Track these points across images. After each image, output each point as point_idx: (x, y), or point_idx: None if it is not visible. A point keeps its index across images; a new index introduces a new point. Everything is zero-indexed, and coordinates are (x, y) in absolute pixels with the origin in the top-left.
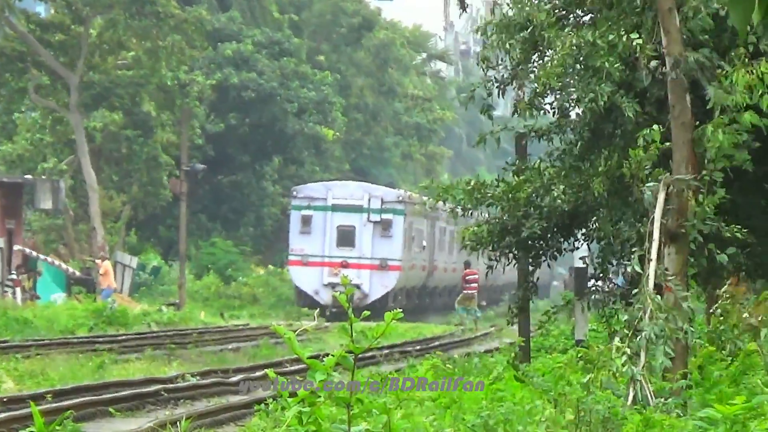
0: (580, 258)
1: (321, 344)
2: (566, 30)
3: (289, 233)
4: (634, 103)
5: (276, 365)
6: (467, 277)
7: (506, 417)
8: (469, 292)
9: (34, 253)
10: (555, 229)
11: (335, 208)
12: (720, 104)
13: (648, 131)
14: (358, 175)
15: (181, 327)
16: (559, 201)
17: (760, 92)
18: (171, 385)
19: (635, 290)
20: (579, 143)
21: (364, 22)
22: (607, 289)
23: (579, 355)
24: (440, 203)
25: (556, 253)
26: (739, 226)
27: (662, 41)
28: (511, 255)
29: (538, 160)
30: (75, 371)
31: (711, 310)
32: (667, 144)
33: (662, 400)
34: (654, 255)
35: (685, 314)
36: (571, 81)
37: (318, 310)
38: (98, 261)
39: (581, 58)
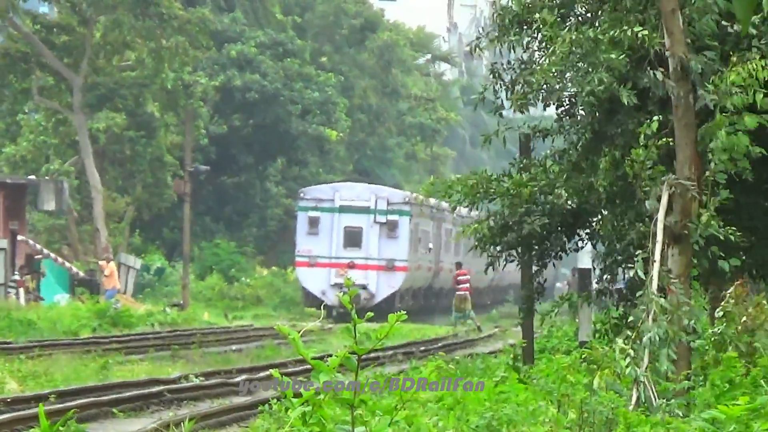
0: (591, 260)
1: (325, 345)
2: (566, 28)
3: (296, 234)
4: (632, 94)
5: (280, 366)
6: (458, 278)
7: (510, 418)
8: (462, 293)
9: (38, 246)
10: (558, 228)
11: (342, 209)
12: (717, 105)
13: (647, 124)
14: (361, 175)
15: (184, 328)
16: (563, 199)
17: (753, 90)
18: (174, 386)
19: (639, 292)
20: (581, 143)
21: (367, 24)
22: (611, 290)
23: (582, 357)
24: (444, 203)
25: (561, 252)
26: (742, 228)
27: (665, 42)
28: (513, 253)
29: (544, 157)
30: (78, 372)
31: (714, 312)
32: (671, 143)
33: (665, 401)
34: (657, 256)
35: (688, 316)
36: (569, 75)
37: (323, 307)
38: (102, 262)
39: (580, 54)
